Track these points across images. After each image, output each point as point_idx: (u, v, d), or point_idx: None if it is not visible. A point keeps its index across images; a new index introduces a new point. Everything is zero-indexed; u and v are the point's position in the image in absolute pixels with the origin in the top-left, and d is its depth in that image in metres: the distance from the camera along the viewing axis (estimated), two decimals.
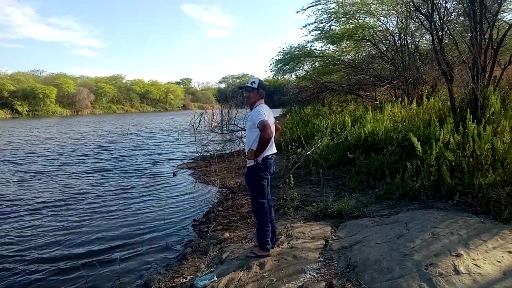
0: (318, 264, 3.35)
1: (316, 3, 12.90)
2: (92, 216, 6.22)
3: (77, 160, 12.53)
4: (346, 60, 14.90)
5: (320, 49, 15.23)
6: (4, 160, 12.79)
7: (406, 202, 4.74)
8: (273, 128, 3.63)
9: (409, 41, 12.41)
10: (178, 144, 17.15)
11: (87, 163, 11.98)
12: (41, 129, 29.21)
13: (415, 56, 11.90)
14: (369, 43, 14.01)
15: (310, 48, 14.82)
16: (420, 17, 7.74)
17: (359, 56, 15.48)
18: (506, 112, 5.43)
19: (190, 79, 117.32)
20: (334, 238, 3.94)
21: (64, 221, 5.98)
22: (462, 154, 4.80)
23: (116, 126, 31.54)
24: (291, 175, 5.69)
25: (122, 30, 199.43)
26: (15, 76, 65.63)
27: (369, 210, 4.62)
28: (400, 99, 9.59)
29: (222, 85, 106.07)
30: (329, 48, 15.47)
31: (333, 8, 12.92)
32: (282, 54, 15.54)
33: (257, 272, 3.37)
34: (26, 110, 60.57)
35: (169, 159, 12.56)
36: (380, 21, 13.09)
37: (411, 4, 8.86)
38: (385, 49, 13.39)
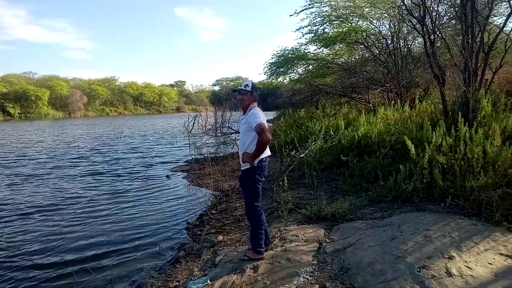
0: (312, 267, 3.35)
1: (310, 6, 12.98)
2: (84, 220, 6.17)
3: (70, 163, 12.42)
4: (340, 63, 14.98)
5: (313, 52, 15.30)
6: None
7: (399, 205, 4.77)
8: None
9: (401, 44, 12.52)
10: (172, 147, 17.09)
11: (79, 166, 11.87)
12: (33, 131, 28.93)
13: (408, 59, 12.00)
14: (362, 46, 14.10)
15: (303, 51, 14.88)
16: (413, 21, 7.83)
17: (352, 59, 15.57)
18: (497, 115, 5.49)
19: (184, 81, 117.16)
20: (328, 240, 3.95)
21: (56, 225, 5.91)
22: (454, 157, 4.84)
23: (110, 128, 31.34)
24: (285, 178, 5.69)
25: (115, 32, 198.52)
26: (7, 78, 64.97)
27: (363, 213, 4.64)
28: (393, 102, 9.65)
29: (216, 88, 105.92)
30: (322, 51, 15.55)
31: (326, 11, 13.01)
32: (276, 57, 15.58)
33: (250, 275, 3.36)
34: (18, 113, 59.91)
35: (163, 162, 12.50)
36: (373, 25, 13.20)
37: (404, 7, 8.95)
38: (378, 52, 13.49)
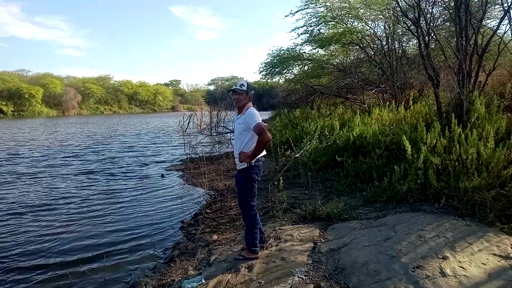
0: (307, 267, 3.35)
1: (305, 7, 13.01)
2: (78, 219, 6.11)
3: (63, 162, 12.32)
4: (335, 63, 15.03)
5: (309, 52, 15.34)
6: None
7: (393, 205, 4.79)
8: None
9: (396, 45, 12.59)
10: (167, 146, 17.04)
11: (73, 165, 11.78)
12: (26, 129, 28.67)
13: (402, 61, 12.07)
14: (357, 47, 14.17)
15: (299, 51, 14.92)
16: (407, 22, 7.87)
17: (348, 60, 15.63)
18: (490, 116, 5.54)
19: (179, 80, 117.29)
20: (323, 240, 3.96)
21: (49, 225, 5.85)
22: (448, 158, 4.88)
23: (104, 127, 31.17)
24: (280, 178, 5.69)
25: (109, 30, 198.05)
26: (0, 75, 64.32)
27: (357, 213, 4.65)
28: (387, 103, 9.70)
29: (211, 87, 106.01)
30: (318, 51, 15.60)
31: (321, 12, 13.05)
32: (271, 57, 15.60)
33: (245, 275, 3.35)
34: (12, 110, 59.43)
35: (158, 161, 12.44)
36: (368, 26, 13.27)
37: (398, 9, 8.99)
38: (373, 53, 13.55)
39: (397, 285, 2.81)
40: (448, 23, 9.84)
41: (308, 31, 13.75)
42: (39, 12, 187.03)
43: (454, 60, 6.79)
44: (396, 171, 5.03)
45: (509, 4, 6.26)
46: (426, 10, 7.82)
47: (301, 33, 13.97)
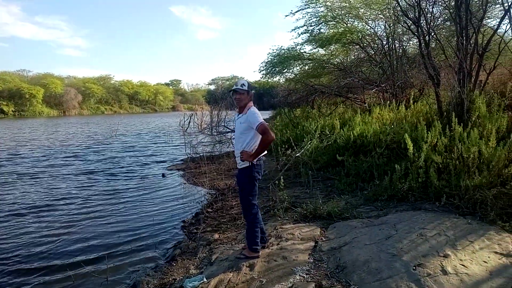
0: (308, 265, 3.36)
1: (305, 7, 13.02)
2: (79, 219, 6.12)
3: (64, 162, 12.32)
4: (335, 63, 15.03)
5: (309, 51, 15.35)
6: None
7: (394, 204, 4.80)
8: None
9: (396, 45, 12.60)
10: (167, 146, 17.05)
11: (74, 165, 11.79)
12: (27, 129, 28.70)
13: (403, 60, 12.08)
14: (357, 47, 14.17)
15: (299, 51, 14.92)
16: (408, 22, 7.87)
17: (348, 59, 15.64)
18: (491, 115, 5.55)
19: (180, 80, 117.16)
20: (324, 239, 3.96)
21: (51, 225, 5.86)
22: (449, 156, 4.88)
23: (104, 127, 31.18)
24: (281, 177, 5.70)
25: (109, 30, 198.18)
26: (1, 75, 64.27)
27: (358, 212, 4.66)
28: (388, 102, 9.70)
29: (212, 87, 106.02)
30: (318, 51, 15.61)
31: (322, 11, 13.06)
32: (272, 56, 15.61)
33: (246, 273, 3.36)
34: (12, 110, 59.44)
35: (158, 161, 12.45)
36: (369, 25, 13.28)
37: (399, 9, 8.99)
38: (373, 52, 13.56)
39: (399, 283, 2.82)
40: (448, 23, 9.85)
41: (309, 30, 13.76)
42: (39, 12, 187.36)
43: (454, 59, 6.79)
44: (397, 169, 5.04)
45: (509, 3, 6.27)
46: (426, 9, 7.82)
47: (301, 33, 13.99)
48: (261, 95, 43.51)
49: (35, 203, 7.07)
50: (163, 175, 9.73)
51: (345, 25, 13.20)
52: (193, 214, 6.13)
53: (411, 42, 12.86)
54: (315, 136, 7.92)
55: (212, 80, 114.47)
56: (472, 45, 6.39)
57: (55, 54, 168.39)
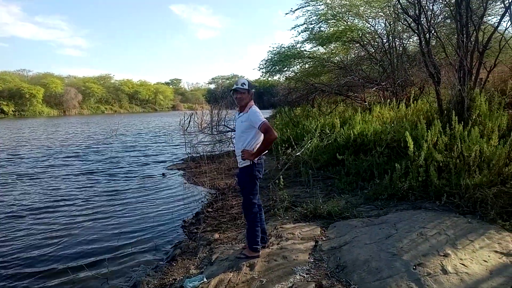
0: (308, 265, 3.36)
1: (306, 5, 12.98)
2: (79, 219, 6.12)
3: (64, 162, 12.33)
4: (335, 61, 15.01)
5: (309, 50, 15.32)
6: None
7: (394, 203, 4.79)
8: None
9: (397, 43, 12.58)
10: (168, 145, 17.04)
11: (74, 165, 11.79)
12: (27, 129, 28.70)
13: (403, 58, 12.05)
14: (357, 45, 14.13)
15: (299, 49, 14.89)
16: (408, 20, 7.85)
17: (348, 57, 15.62)
18: (491, 113, 5.53)
19: (180, 79, 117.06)
20: (324, 238, 3.96)
21: (51, 225, 5.86)
22: (449, 155, 4.87)
23: (105, 126, 31.19)
24: (281, 176, 5.69)
25: (110, 30, 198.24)
26: (1, 75, 64.41)
27: (358, 211, 4.65)
28: (388, 100, 9.69)
29: (212, 86, 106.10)
30: (318, 49, 15.58)
31: (322, 9, 13.02)
32: (272, 54, 15.58)
33: (247, 273, 3.36)
34: (12, 110, 59.53)
35: (159, 161, 12.45)
36: (369, 23, 13.25)
37: (399, 6, 8.97)
38: (373, 51, 13.53)
39: (399, 283, 2.81)
40: (448, 20, 9.82)
41: (309, 29, 13.73)
42: (39, 12, 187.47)
43: (455, 57, 6.77)
44: (397, 168, 5.03)
45: (510, 0, 6.24)
46: (426, 7, 7.80)
47: (301, 31, 13.95)
48: (261, 94, 43.47)
49: (35, 204, 7.06)
50: (163, 175, 9.72)
51: (345, 23, 13.17)
52: (193, 214, 6.13)
53: (411, 40, 12.83)
54: (315, 135, 7.91)
55: (212, 79, 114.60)
56: (473, 42, 6.37)
57: (55, 54, 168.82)
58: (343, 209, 4.68)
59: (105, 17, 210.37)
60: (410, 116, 7.50)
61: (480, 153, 4.61)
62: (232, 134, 12.29)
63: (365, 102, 11.86)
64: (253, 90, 3.72)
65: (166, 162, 12.12)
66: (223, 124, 13.97)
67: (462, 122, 5.33)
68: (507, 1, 6.41)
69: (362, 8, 12.53)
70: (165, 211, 6.44)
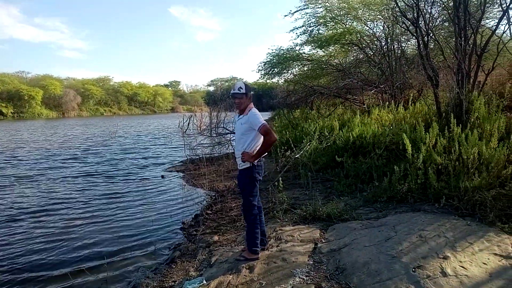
0: (308, 267, 3.36)
1: (305, 7, 13.03)
2: (78, 222, 6.10)
3: (62, 164, 12.29)
4: (334, 64, 15.05)
5: (308, 52, 15.37)
6: None
7: (393, 205, 4.80)
8: None
9: (395, 46, 12.61)
10: (167, 148, 17.03)
11: (72, 167, 11.75)
12: (26, 131, 28.64)
13: (402, 61, 12.09)
14: (356, 48, 14.19)
15: (298, 51, 14.94)
16: (406, 23, 7.87)
17: (347, 60, 15.66)
18: (490, 116, 5.55)
19: (179, 81, 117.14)
20: (323, 241, 3.96)
21: (49, 227, 5.84)
22: (448, 157, 4.88)
23: (104, 128, 31.14)
24: (280, 178, 5.69)
25: (109, 32, 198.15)
26: (0, 77, 64.23)
27: (358, 213, 4.66)
28: (387, 103, 9.71)
29: (211, 88, 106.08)
30: (317, 52, 15.62)
31: (321, 12, 13.07)
32: (271, 56, 15.62)
33: (246, 276, 3.36)
34: (11, 112, 59.37)
35: (158, 163, 12.44)
36: (367, 26, 13.29)
37: (397, 9, 9.01)
38: (372, 53, 13.58)
39: (398, 285, 2.82)
40: (447, 23, 9.86)
41: (307, 31, 13.78)
42: (38, 14, 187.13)
43: (453, 60, 6.80)
44: (396, 171, 5.04)
45: (507, 4, 6.28)
46: (425, 10, 7.84)
47: (300, 34, 14.01)
48: (260, 96, 43.47)
49: (33, 207, 7.02)
50: (163, 177, 9.72)
51: (344, 26, 13.21)
52: (193, 216, 6.13)
53: (409, 43, 12.89)
54: (314, 137, 7.92)
55: (211, 81, 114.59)
56: (471, 45, 6.40)
57: (54, 55, 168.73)
58: (342, 211, 4.68)
59: (105, 19, 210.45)
60: (409, 118, 7.52)
61: (479, 155, 4.63)
62: (231, 136, 12.32)
63: (364, 104, 11.88)
64: (251, 92, 3.73)
65: (165, 164, 12.11)
66: (222, 126, 14.01)
67: (461, 125, 5.34)
68: (505, 5, 6.44)
69: (361, 11, 12.58)
70: (164, 213, 6.43)
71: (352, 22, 13.36)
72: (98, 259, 4.60)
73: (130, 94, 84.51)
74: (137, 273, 4.19)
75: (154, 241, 5.13)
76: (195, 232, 5.20)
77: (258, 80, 21.08)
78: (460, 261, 3.07)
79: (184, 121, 18.76)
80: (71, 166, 11.93)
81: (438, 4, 8.55)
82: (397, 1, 8.18)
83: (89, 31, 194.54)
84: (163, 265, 4.31)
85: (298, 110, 15.79)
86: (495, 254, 3.16)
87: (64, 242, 5.20)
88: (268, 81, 18.65)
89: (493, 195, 4.04)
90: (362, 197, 5.32)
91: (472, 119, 5.69)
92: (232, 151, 11.33)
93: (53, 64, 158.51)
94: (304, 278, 3.17)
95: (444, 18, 9.51)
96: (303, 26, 13.67)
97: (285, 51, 15.09)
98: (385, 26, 12.61)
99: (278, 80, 18.58)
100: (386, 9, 11.56)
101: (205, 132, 14.92)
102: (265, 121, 3.52)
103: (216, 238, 4.72)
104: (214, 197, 7.04)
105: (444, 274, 2.90)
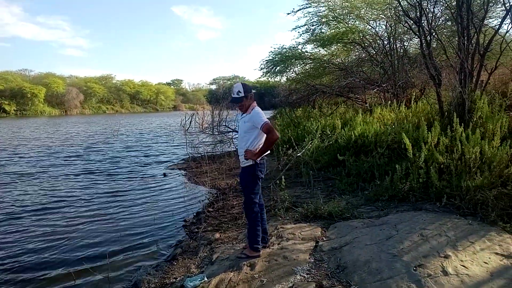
0: (309, 265, 3.37)
1: (307, 6, 13.00)
2: (80, 218, 6.12)
3: (65, 162, 12.33)
4: (336, 63, 15.02)
5: (310, 51, 15.33)
6: None
7: (395, 204, 4.80)
8: None
9: (398, 45, 12.58)
10: (169, 146, 17.06)
11: (75, 164, 11.79)
12: (28, 129, 28.73)
13: (404, 60, 12.06)
14: (358, 47, 14.16)
15: (301, 50, 14.92)
16: (409, 22, 7.86)
17: (349, 59, 15.63)
18: (492, 116, 5.54)
19: (181, 80, 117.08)
20: (324, 239, 3.97)
21: (51, 225, 5.86)
22: (450, 157, 4.88)
23: (106, 126, 31.21)
24: (282, 177, 5.70)
25: (111, 30, 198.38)
26: (3, 75, 64.36)
27: (359, 212, 4.66)
28: (389, 102, 9.70)
29: (213, 86, 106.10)
30: (319, 51, 15.59)
31: (323, 11, 13.05)
32: (274, 54, 15.60)
33: (247, 273, 3.37)
34: (14, 110, 59.57)
35: (160, 161, 12.47)
36: (370, 25, 13.26)
37: (400, 8, 8.99)
38: (374, 52, 13.55)
39: (399, 284, 2.82)
40: (449, 22, 9.83)
41: (310, 30, 13.76)
42: (40, 13, 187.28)
43: (456, 59, 6.77)
44: (397, 170, 5.04)
45: (511, 3, 6.25)
46: (427, 9, 7.82)
47: (302, 32, 13.99)
48: (262, 95, 43.51)
49: (35, 204, 7.03)
50: (165, 175, 9.74)
51: (346, 25, 13.19)
52: (194, 214, 6.15)
53: (412, 42, 12.86)
54: (316, 136, 7.92)
55: (214, 79, 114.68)
56: (474, 45, 6.38)
57: (56, 54, 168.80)
58: (344, 209, 4.69)
59: (107, 18, 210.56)
60: (411, 117, 7.51)
61: (481, 155, 4.62)
62: (233, 134, 12.32)
63: (366, 103, 11.87)
64: (252, 92, 3.74)
65: (167, 162, 12.13)
66: (224, 124, 14.01)
67: (463, 124, 5.33)
68: (508, 4, 6.42)
69: (364, 10, 12.55)
70: (166, 211, 6.45)
71: (355, 21, 13.33)
72: (100, 256, 4.62)
73: (133, 92, 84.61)
74: (139, 270, 4.19)
75: (156, 238, 5.15)
76: (196, 230, 5.22)
77: (259, 78, 21.07)
78: (461, 260, 3.07)
79: (186, 119, 18.77)
80: (73, 163, 11.96)
81: (441, 3, 8.52)
82: (400, 0, 8.16)
83: (91, 29, 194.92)
84: (165, 262, 4.32)
85: (300, 109, 15.77)
86: (497, 254, 3.16)
87: (66, 240, 5.21)
88: (270, 79, 18.66)
89: (495, 195, 4.03)
90: (364, 196, 5.32)
91: (475, 119, 5.68)
92: (234, 149, 11.35)
93: (54, 63, 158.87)
94: (305, 276, 3.18)
95: (447, 17, 9.48)
96: (305, 25, 13.66)
97: (287, 49, 15.07)
98: (388, 25, 12.57)
99: (280, 79, 18.58)
100: (389, 8, 11.53)
101: (207, 130, 14.92)
102: (267, 120, 3.53)
103: (217, 235, 4.73)
104: (215, 195, 7.05)
105: (445, 273, 2.90)
